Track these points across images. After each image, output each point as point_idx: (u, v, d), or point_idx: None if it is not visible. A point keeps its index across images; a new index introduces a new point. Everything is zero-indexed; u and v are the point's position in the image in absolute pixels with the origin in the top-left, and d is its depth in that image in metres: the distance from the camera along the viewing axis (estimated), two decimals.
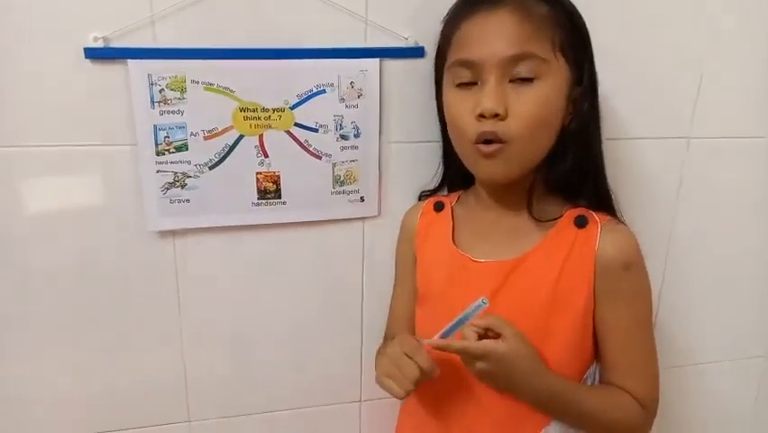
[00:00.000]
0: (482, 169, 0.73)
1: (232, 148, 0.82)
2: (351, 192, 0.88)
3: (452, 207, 0.84)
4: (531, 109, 0.69)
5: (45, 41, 0.74)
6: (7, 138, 0.77)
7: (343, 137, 0.85)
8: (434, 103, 0.84)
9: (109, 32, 0.75)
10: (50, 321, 0.85)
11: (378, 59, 0.83)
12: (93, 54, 0.75)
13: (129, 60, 0.76)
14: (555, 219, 0.76)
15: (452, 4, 0.76)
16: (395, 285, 0.92)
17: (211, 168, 0.82)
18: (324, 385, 0.98)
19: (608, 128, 0.88)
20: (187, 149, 0.81)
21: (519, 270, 0.74)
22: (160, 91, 0.78)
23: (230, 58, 0.79)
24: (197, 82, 0.79)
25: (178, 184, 0.82)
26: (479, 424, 0.77)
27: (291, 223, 0.88)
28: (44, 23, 0.74)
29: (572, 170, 0.75)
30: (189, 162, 0.82)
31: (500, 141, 0.69)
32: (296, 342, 0.95)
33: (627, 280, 0.73)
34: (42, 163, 0.79)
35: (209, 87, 0.79)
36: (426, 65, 0.83)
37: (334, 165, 0.86)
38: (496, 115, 0.68)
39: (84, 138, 0.79)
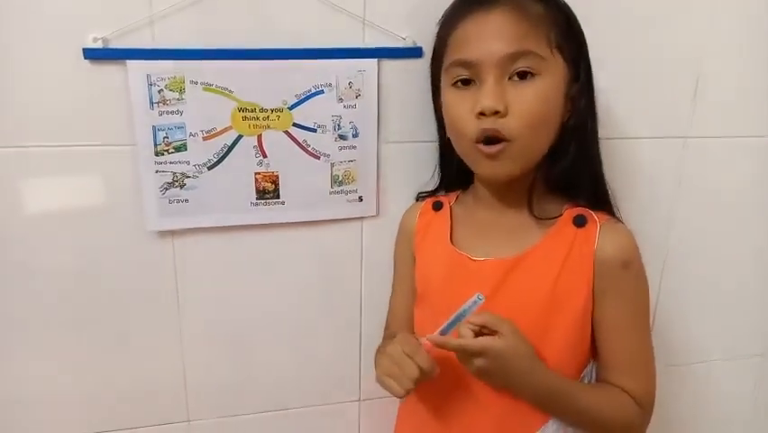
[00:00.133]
0: (484, 168, 0.74)
1: (230, 148, 0.83)
2: (349, 192, 0.89)
3: (450, 207, 0.85)
4: (530, 105, 0.69)
5: (44, 42, 0.75)
6: (6, 138, 0.77)
7: (342, 137, 0.86)
8: (431, 102, 0.84)
9: (108, 32, 0.75)
10: (48, 321, 0.85)
11: (376, 60, 0.83)
12: (92, 55, 0.76)
13: (128, 61, 0.76)
14: (555, 218, 0.76)
15: (448, 4, 0.77)
16: (393, 285, 0.92)
17: (210, 168, 0.83)
18: (322, 385, 0.99)
19: (606, 128, 0.89)
20: (185, 149, 0.81)
21: (519, 268, 0.75)
22: (159, 92, 0.78)
23: (228, 58, 0.79)
24: (196, 82, 0.79)
25: (176, 184, 0.82)
26: (477, 422, 0.77)
27: (290, 223, 0.88)
28: (43, 23, 0.74)
29: (572, 168, 0.75)
30: (188, 163, 0.82)
31: (502, 139, 0.69)
32: (294, 341, 0.95)
33: (626, 279, 0.74)
34: (41, 164, 0.79)
35: (208, 87, 0.79)
36: (424, 65, 0.83)
37: (333, 165, 0.87)
38: (496, 113, 0.69)
39: (83, 138, 0.79)
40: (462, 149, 0.75)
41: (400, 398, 0.72)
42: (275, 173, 0.85)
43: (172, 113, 0.79)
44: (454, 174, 0.86)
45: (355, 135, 0.86)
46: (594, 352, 0.78)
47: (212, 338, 0.92)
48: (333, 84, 0.83)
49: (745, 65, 0.97)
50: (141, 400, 0.92)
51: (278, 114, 0.82)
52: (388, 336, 0.91)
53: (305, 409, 0.99)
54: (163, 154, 0.81)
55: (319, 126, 0.84)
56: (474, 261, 0.78)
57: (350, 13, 0.81)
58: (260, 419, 0.98)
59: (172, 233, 0.86)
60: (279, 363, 0.96)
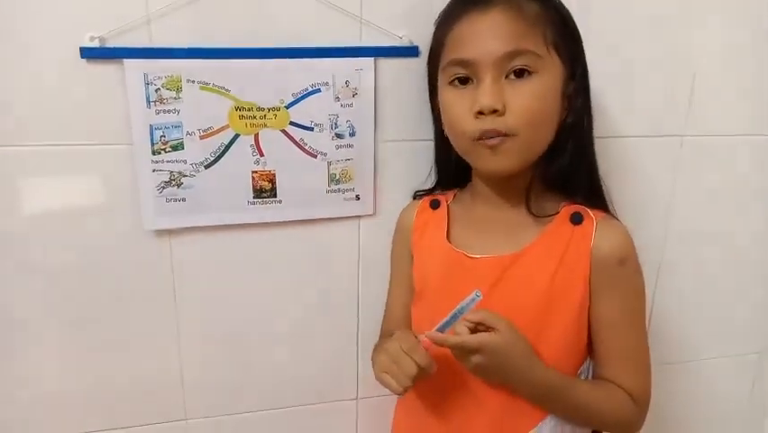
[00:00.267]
0: (486, 162, 0.73)
1: (227, 147, 0.83)
2: (346, 191, 0.89)
3: (448, 205, 0.85)
4: (528, 103, 0.69)
5: (41, 41, 0.75)
6: (3, 138, 0.77)
7: (339, 136, 0.86)
8: (428, 101, 0.84)
9: (105, 31, 0.75)
10: (46, 320, 0.85)
11: (372, 59, 0.84)
12: (89, 54, 0.76)
13: (125, 60, 0.77)
14: (552, 215, 0.76)
15: (444, 3, 0.77)
16: (391, 283, 0.93)
17: (207, 167, 0.83)
18: (320, 383, 0.99)
19: (602, 127, 0.89)
20: (182, 148, 0.81)
21: (516, 265, 0.75)
22: (156, 90, 0.78)
23: (225, 57, 0.79)
24: (193, 81, 0.79)
25: (173, 183, 0.82)
26: (475, 419, 0.77)
27: (287, 221, 0.89)
28: (40, 23, 0.74)
29: (569, 166, 0.75)
30: (185, 161, 0.82)
31: (503, 135, 0.70)
32: (292, 340, 0.95)
33: (622, 276, 0.74)
34: (38, 163, 0.79)
35: (205, 86, 0.80)
36: (421, 64, 0.84)
37: (330, 164, 0.87)
38: (494, 112, 0.69)
39: (80, 137, 0.79)
40: (462, 147, 0.76)
41: (398, 395, 0.72)
42: (272, 172, 0.85)
43: (169, 112, 0.79)
44: (452, 172, 0.86)
45: (352, 134, 0.86)
46: (591, 349, 0.78)
47: (209, 337, 0.92)
48: (330, 83, 0.83)
49: (741, 63, 0.98)
50: (139, 399, 0.92)
51: (275, 112, 0.83)
52: (386, 334, 0.91)
53: (302, 407, 0.99)
54: (160, 153, 0.81)
55: (316, 125, 0.84)
56: (471, 258, 0.78)
57: (347, 12, 0.82)
58: (258, 417, 0.98)
59: (169, 232, 0.86)
60: (277, 361, 0.96)
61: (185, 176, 0.82)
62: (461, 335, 0.68)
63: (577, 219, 0.75)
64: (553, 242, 0.75)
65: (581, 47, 0.75)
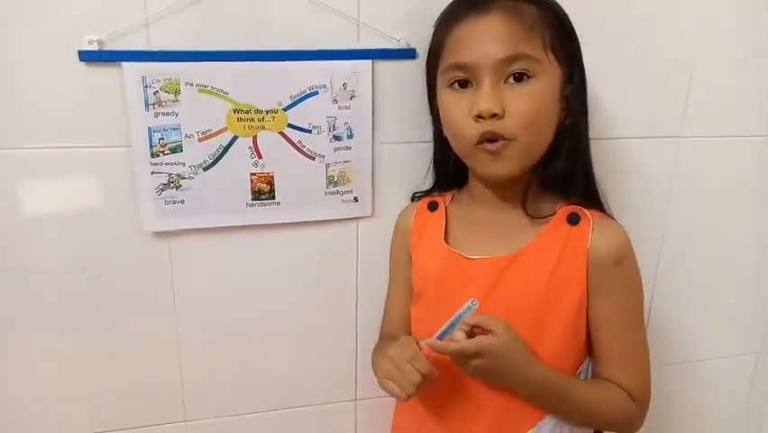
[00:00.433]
0: (486, 167, 0.74)
1: (226, 149, 0.83)
2: (344, 192, 0.89)
3: (446, 207, 0.85)
4: (527, 107, 0.70)
5: (40, 44, 0.75)
6: (2, 140, 0.78)
7: (336, 138, 0.86)
8: (426, 103, 0.84)
9: (104, 34, 0.76)
10: (46, 321, 0.86)
11: (370, 61, 0.84)
12: (87, 57, 0.76)
13: (123, 63, 0.77)
14: (549, 216, 0.77)
15: (442, 6, 0.77)
16: (389, 285, 0.93)
17: (205, 169, 0.83)
18: (319, 384, 0.99)
19: (599, 128, 0.90)
20: (181, 150, 0.82)
21: (514, 266, 0.75)
22: (155, 93, 0.79)
23: (224, 60, 0.80)
24: (191, 84, 0.79)
25: (172, 185, 0.83)
26: (474, 420, 0.77)
27: (285, 223, 0.89)
28: (39, 25, 0.74)
29: (566, 167, 0.76)
30: (184, 164, 0.82)
31: (503, 138, 0.70)
32: (291, 341, 0.95)
33: (619, 275, 0.74)
34: (37, 165, 0.79)
35: (203, 89, 0.80)
36: (418, 66, 0.84)
37: (328, 166, 0.87)
38: (493, 116, 0.69)
39: (79, 140, 0.80)
40: (462, 150, 0.76)
41: (403, 400, 0.72)
42: (270, 174, 0.85)
43: (168, 114, 0.80)
44: (450, 173, 0.86)
45: (350, 136, 0.86)
46: (590, 349, 0.78)
47: (208, 338, 0.92)
48: (328, 85, 0.83)
49: (738, 64, 0.98)
50: (139, 401, 0.92)
51: (274, 115, 0.83)
52: (385, 336, 0.92)
53: (301, 408, 0.99)
54: (159, 156, 0.81)
55: (314, 127, 0.85)
56: (469, 259, 0.78)
57: (344, 15, 0.82)
58: (257, 418, 0.98)
59: (168, 234, 0.86)
60: (276, 363, 0.96)
61: (183, 178, 0.83)
62: (460, 341, 0.68)
63: (574, 219, 0.75)
64: (551, 242, 0.75)
65: (579, 48, 0.75)
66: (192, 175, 0.83)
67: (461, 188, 0.87)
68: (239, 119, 0.82)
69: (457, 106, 0.73)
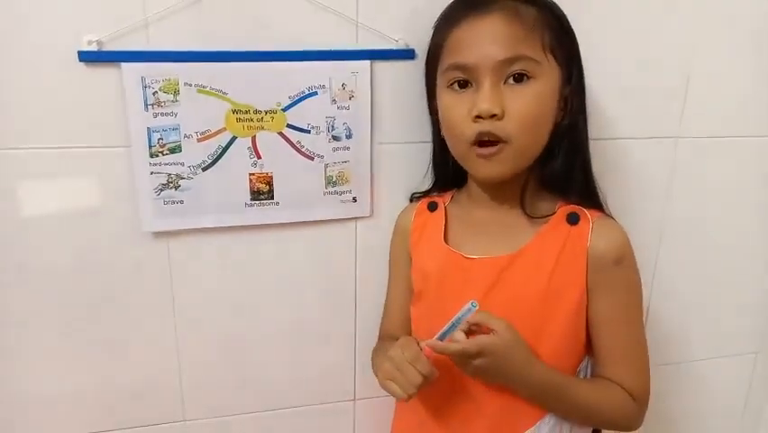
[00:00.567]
0: (480, 169, 0.74)
1: (225, 149, 0.83)
2: (343, 193, 0.89)
3: (445, 207, 0.85)
4: (526, 108, 0.70)
5: (39, 45, 0.75)
6: (2, 140, 0.78)
7: (335, 138, 0.86)
8: (424, 104, 0.84)
9: (103, 35, 0.76)
10: (45, 321, 0.86)
11: (369, 61, 0.84)
12: (87, 57, 0.76)
13: (122, 63, 0.77)
14: (548, 216, 0.77)
15: (441, 7, 0.77)
16: (389, 285, 0.93)
17: (204, 169, 0.83)
18: (318, 384, 0.99)
19: (597, 128, 0.90)
20: (180, 150, 0.82)
21: (513, 266, 0.76)
22: (154, 94, 0.79)
23: (223, 60, 0.80)
24: (190, 84, 0.79)
25: (171, 185, 0.83)
26: (474, 419, 0.78)
27: (284, 223, 0.89)
28: (38, 26, 0.74)
29: (565, 167, 0.76)
30: (183, 164, 0.82)
31: (498, 140, 0.70)
32: (290, 341, 0.96)
33: (619, 274, 0.75)
34: (37, 166, 0.79)
35: (202, 89, 0.80)
36: (417, 67, 0.84)
37: (327, 166, 0.87)
38: (493, 116, 0.70)
39: (78, 140, 0.80)
40: (458, 151, 0.76)
41: (404, 401, 0.73)
42: (269, 174, 0.86)
43: (167, 114, 0.80)
44: (449, 174, 0.86)
45: (349, 136, 0.87)
46: (589, 348, 0.78)
47: (207, 338, 0.92)
48: (327, 85, 0.84)
49: (735, 65, 0.98)
50: (137, 401, 0.92)
51: (272, 115, 0.83)
52: (385, 336, 0.92)
53: (300, 408, 0.99)
54: (158, 156, 0.81)
55: (313, 128, 0.85)
56: (469, 259, 0.78)
57: (343, 16, 0.82)
58: (256, 418, 0.98)
59: (167, 234, 0.86)
60: (274, 363, 0.96)
61: (182, 178, 0.83)
62: (461, 342, 0.68)
63: (573, 219, 0.76)
64: (550, 242, 0.75)
65: (577, 49, 0.76)
66: (191, 175, 0.83)
67: (460, 188, 0.87)
68: (238, 119, 0.82)
69: (457, 107, 0.73)
